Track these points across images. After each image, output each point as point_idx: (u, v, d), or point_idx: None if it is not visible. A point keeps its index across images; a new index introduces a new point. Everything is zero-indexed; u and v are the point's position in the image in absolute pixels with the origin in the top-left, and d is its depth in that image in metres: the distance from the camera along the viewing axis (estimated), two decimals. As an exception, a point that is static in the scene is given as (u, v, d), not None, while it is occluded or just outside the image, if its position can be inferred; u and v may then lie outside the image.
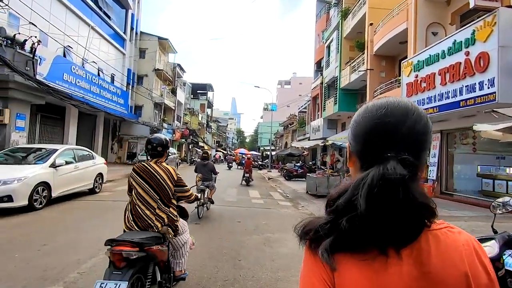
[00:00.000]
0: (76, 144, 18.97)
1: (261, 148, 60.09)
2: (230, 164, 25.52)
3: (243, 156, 31.41)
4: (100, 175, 8.86)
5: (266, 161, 34.76)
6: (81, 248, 3.90)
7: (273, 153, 34.91)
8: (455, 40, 8.53)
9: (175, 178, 2.64)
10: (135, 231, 2.40)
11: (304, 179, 17.36)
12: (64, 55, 15.75)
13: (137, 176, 2.57)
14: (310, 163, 26.21)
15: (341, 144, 11.50)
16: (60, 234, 4.54)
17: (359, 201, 0.56)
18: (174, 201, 2.64)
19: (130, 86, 24.51)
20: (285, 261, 3.88)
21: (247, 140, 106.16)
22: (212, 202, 6.16)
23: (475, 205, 9.01)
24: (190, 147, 36.56)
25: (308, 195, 10.97)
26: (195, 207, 5.92)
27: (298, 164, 20.00)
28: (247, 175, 13.62)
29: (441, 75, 9.03)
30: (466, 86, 8.08)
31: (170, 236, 2.49)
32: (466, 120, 9.45)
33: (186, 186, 2.78)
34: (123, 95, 22.46)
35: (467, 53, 8.07)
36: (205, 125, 48.01)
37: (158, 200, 2.49)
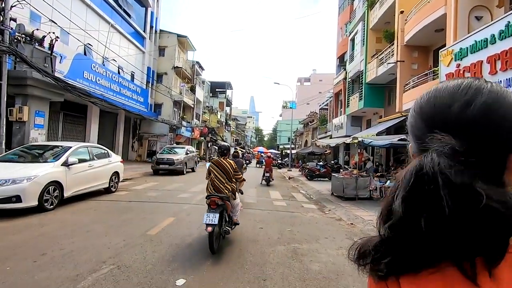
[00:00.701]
0: (98, 142, 19.15)
1: (280, 147, 59.23)
2: (247, 161, 24.32)
3: (262, 154, 30.73)
4: (116, 173, 8.54)
5: (285, 159, 33.95)
6: (84, 259, 3.41)
7: (293, 151, 34.01)
8: (509, 22, 7.40)
9: (234, 167, 4.56)
10: (215, 193, 4.22)
11: (326, 179, 16.47)
12: (85, 53, 15.79)
13: (214, 165, 4.54)
14: (332, 162, 25.14)
15: (370, 142, 10.56)
16: (65, 240, 4.11)
17: (396, 205, 0.46)
18: (233, 180, 4.56)
19: (150, 84, 24.53)
20: (319, 283, 3.19)
21: (266, 138, 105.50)
22: (241, 193, 6.17)
23: None
24: (209, 145, 36.43)
25: (333, 197, 10.15)
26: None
27: (321, 163, 19.07)
28: (267, 174, 12.97)
29: (490, 63, 7.91)
30: (523, 74, 6.96)
31: (232, 198, 4.48)
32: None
33: (239, 172, 4.78)
34: (143, 93, 22.48)
35: (525, 36, 6.95)
36: (224, 123, 47.84)
37: (226, 179, 4.42)
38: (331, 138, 24.00)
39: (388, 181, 10.06)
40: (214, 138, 39.10)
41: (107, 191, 8.19)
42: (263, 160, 17.40)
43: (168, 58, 25.70)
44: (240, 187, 6.44)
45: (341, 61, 25.56)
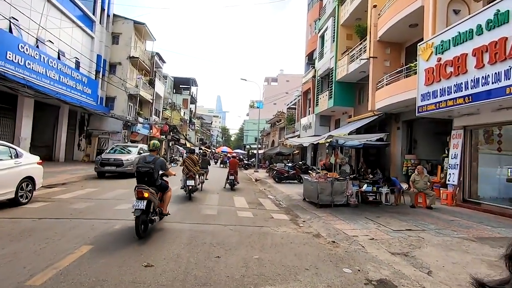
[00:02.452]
0: (32, 140, 16.18)
1: (247, 147, 57.96)
2: (216, 160, 21.20)
3: (226, 154, 29.08)
4: (30, 179, 6.45)
5: (252, 160, 32.68)
6: None
7: (260, 151, 32.84)
8: (498, 11, 6.72)
9: (196, 160, 9.76)
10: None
11: (295, 181, 15.41)
12: (10, 31, 12.96)
13: (188, 158, 9.56)
14: (300, 162, 24.35)
15: (344, 142, 9.56)
16: None
17: None
18: (197, 166, 9.51)
19: (101, 74, 21.69)
20: None
21: (232, 138, 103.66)
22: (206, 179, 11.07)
23: (510, 217, 7.27)
24: (171, 144, 33.88)
25: (306, 203, 8.96)
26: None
27: (289, 164, 18.01)
28: (232, 177, 11.45)
29: (476, 56, 7.22)
30: (516, 67, 6.27)
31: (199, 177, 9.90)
32: (502, 113, 7.71)
33: (198, 165, 9.85)
34: (91, 84, 19.67)
35: (518, 25, 6.27)
36: (187, 122, 45.28)
37: (193, 165, 9.26)
38: (299, 137, 23.18)
39: (365, 185, 9.12)
40: (177, 137, 36.60)
41: (14, 203, 6.09)
42: (227, 161, 15.79)
43: (123, 46, 23.01)
44: (206, 177, 11.72)
45: (310, 59, 24.91)
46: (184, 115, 42.81)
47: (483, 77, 7.04)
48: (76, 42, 18.59)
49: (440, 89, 8.36)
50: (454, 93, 7.88)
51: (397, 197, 9.05)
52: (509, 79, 6.40)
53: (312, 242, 5.00)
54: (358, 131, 14.37)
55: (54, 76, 15.60)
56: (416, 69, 10.26)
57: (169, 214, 5.64)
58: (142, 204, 4.58)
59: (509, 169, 8.70)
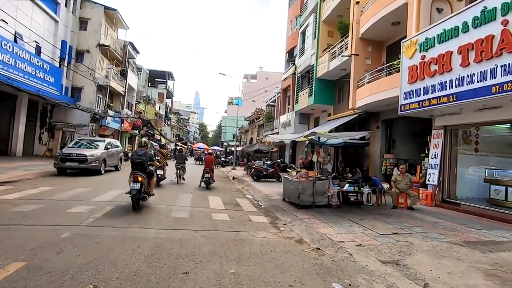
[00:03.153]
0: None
1: (225, 144, 57.07)
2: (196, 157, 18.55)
3: (203, 151, 28.19)
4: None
5: (230, 157, 31.95)
6: None
7: (238, 148, 32.20)
8: (485, 8, 6.55)
9: (165, 154, 11.86)
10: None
11: (274, 179, 14.96)
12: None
13: (158, 152, 11.17)
14: (278, 160, 24.01)
15: (326, 140, 9.17)
16: None
17: None
18: (166, 161, 11.25)
19: (66, 62, 19.94)
20: None
21: (210, 135, 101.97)
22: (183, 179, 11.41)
23: (492, 219, 7.22)
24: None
25: (286, 203, 8.48)
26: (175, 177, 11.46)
27: (268, 162, 17.53)
28: (207, 175, 10.73)
29: (462, 54, 7.04)
30: (502, 66, 6.11)
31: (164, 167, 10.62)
32: (484, 113, 7.64)
33: (168, 158, 12.57)
34: (54, 72, 17.98)
35: (505, 22, 6.11)
36: (163, 117, 43.54)
37: (163, 158, 10.90)
38: (278, 134, 22.81)
39: (347, 184, 8.79)
40: (151, 132, 34.98)
41: None
42: (203, 158, 14.97)
43: (92, 33, 21.32)
44: (183, 175, 12.11)
45: (291, 56, 24.57)
46: (159, 109, 41.09)
47: (468, 75, 6.88)
48: (37, 25, 16.85)
49: (424, 87, 8.18)
50: (438, 91, 7.70)
51: (379, 198, 8.82)
52: (495, 78, 6.25)
53: (295, 250, 4.48)
54: (337, 129, 14.16)
55: (8, 61, 13.95)
56: (398, 67, 10.09)
57: (154, 194, 7.20)
58: (137, 186, 6.25)
59: (487, 170, 8.75)
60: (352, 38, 13.23)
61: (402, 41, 9.33)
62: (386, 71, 10.88)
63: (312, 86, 17.73)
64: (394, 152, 13.18)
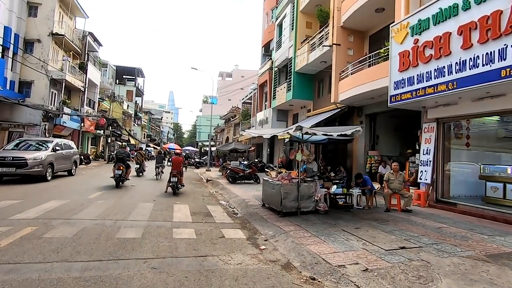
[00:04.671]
0: None
1: (200, 144, 55.06)
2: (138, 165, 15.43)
3: (174, 152, 26.35)
4: None
5: (204, 158, 30.29)
6: None
7: (213, 148, 30.61)
8: (490, -20, 5.73)
9: (143, 154, 16.14)
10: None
11: (252, 181, 13.70)
12: None
13: (138, 153, 15.91)
14: (256, 160, 22.81)
15: (310, 137, 8.03)
16: None
17: None
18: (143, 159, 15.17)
19: (11, 52, 17.35)
20: None
21: (185, 135, 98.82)
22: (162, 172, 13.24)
23: (495, 220, 6.46)
24: (110, 141, 29.70)
25: (266, 210, 7.26)
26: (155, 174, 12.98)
27: (245, 162, 16.23)
28: (174, 179, 9.22)
29: (463, 35, 6.19)
30: (514, 46, 5.28)
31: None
32: (485, 103, 6.86)
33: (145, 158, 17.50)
34: (-6, 63, 15.46)
35: (516, -4, 5.29)
36: (132, 116, 40.80)
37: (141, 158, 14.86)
38: (255, 129, 21.55)
39: (335, 186, 7.73)
40: (118, 133, 32.37)
41: None
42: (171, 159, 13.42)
43: (43, 20, 18.81)
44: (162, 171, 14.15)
45: (267, 50, 23.44)
46: (127, 108, 38.36)
47: (471, 59, 6.03)
48: (-30, 7, 14.31)
49: (418, 75, 7.30)
50: (435, 78, 6.84)
51: (369, 199, 7.84)
52: (504, 59, 5.42)
53: (282, 282, 3.24)
54: (318, 125, 13.16)
55: None
56: (385, 55, 9.24)
57: (129, 179, 11.04)
58: (120, 172, 9.96)
59: (482, 166, 8.07)
60: (333, 27, 12.29)
61: (391, 25, 8.43)
62: (373, 60, 10.00)
63: (290, 81, 16.70)
64: (377, 148, 12.45)
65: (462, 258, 4.01)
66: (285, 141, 14.02)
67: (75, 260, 3.51)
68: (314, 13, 14.97)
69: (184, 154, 23.52)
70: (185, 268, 3.48)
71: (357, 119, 12.62)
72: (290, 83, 16.60)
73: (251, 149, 22.44)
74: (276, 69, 19.55)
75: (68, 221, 5.18)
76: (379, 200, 8.26)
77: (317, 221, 6.02)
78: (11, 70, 17.56)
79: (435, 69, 6.84)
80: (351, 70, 11.08)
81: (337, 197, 7.53)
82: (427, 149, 8.39)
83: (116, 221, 5.45)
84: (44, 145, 11.18)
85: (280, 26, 19.18)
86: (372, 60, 10.13)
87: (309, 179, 7.11)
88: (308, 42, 14.84)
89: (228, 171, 13.77)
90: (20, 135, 18.15)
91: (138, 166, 14.68)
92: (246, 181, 13.55)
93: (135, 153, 17.48)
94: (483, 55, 5.80)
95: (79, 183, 10.77)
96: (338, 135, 6.99)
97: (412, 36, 7.55)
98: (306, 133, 7.03)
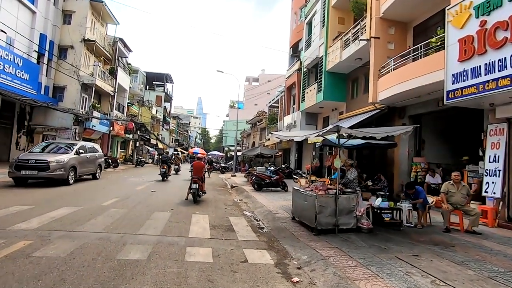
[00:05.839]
0: None
1: (226, 148, 54.98)
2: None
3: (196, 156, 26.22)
4: None
5: (230, 162, 29.73)
6: None
7: (239, 153, 29.98)
8: None
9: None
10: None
11: (279, 188, 12.67)
12: None
13: (162, 156, 19.84)
14: (283, 166, 21.73)
15: (346, 141, 6.89)
16: None
17: None
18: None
19: (46, 58, 17.97)
20: None
21: (212, 140, 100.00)
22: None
23: None
24: (138, 145, 30.17)
25: (297, 224, 6.23)
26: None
27: (272, 167, 15.24)
28: (195, 185, 8.47)
29: (555, 8, 4.80)
30: None
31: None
32: None
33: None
34: (29, 69, 15.97)
35: None
36: (161, 120, 41.54)
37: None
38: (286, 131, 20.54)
39: (379, 198, 6.50)
40: (146, 137, 32.91)
41: None
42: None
43: (76, 27, 19.40)
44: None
45: (295, 51, 22.43)
46: (156, 113, 39.09)
47: None
48: (8, 14, 14.90)
49: (486, 64, 5.92)
50: (511, 67, 5.45)
51: (422, 216, 6.51)
52: None
53: None
54: (352, 128, 11.89)
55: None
56: (438, 45, 7.88)
57: (171, 175, 16.14)
58: (164, 170, 14.26)
59: None
60: (371, 19, 11.04)
61: (447, 8, 7.10)
62: (421, 52, 8.64)
63: (320, 81, 15.55)
64: (423, 154, 10.90)
65: None
66: (316, 146, 12.83)
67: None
68: (348, 7, 13.77)
69: (207, 159, 23.36)
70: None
71: (398, 121, 11.17)
72: (321, 84, 15.45)
73: (277, 154, 21.41)
74: (305, 69, 18.49)
75: (69, 234, 4.54)
76: (433, 216, 6.89)
77: (362, 243, 4.88)
78: (46, 76, 18.16)
79: (512, 55, 5.45)
80: (393, 65, 9.75)
81: (382, 211, 6.30)
82: (495, 156, 6.88)
83: (123, 235, 4.72)
84: (69, 148, 11.03)
85: (309, 24, 18.16)
86: (420, 52, 8.76)
87: (348, 190, 5.96)
88: (341, 39, 13.65)
89: (254, 177, 12.87)
90: (53, 139, 18.69)
91: (176, 166, 19.26)
92: (272, 188, 12.55)
93: (173, 157, 21.34)
94: None
95: (99, 187, 10.43)
96: (386, 136, 5.81)
97: (477, 17, 6.20)
98: (342, 136, 5.94)
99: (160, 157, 19.33)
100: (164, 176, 14.33)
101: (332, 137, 8.09)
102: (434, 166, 10.34)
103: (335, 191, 5.68)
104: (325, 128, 6.40)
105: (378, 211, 6.33)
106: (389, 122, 11.57)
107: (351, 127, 11.69)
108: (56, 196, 7.84)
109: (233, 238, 5.15)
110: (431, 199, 6.91)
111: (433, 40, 8.13)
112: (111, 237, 4.55)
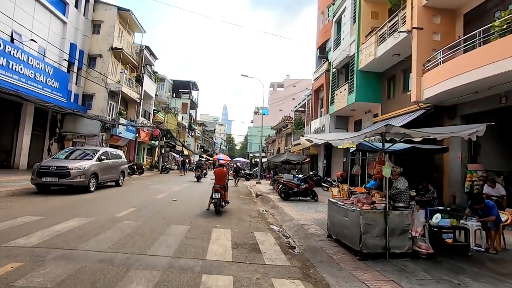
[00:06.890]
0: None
1: (251, 155, 54.37)
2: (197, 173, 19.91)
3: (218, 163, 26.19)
4: None
5: (255, 169, 28.94)
6: None
7: (264, 160, 29.12)
8: None
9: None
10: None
11: (309, 198, 11.59)
12: None
13: (197, 162, 23.64)
14: (311, 173, 20.51)
15: (392, 145, 5.79)
16: None
17: None
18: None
19: (75, 67, 18.43)
20: None
21: (237, 147, 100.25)
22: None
23: None
24: (164, 151, 30.35)
25: (334, 244, 5.21)
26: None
27: (300, 175, 14.17)
28: (217, 195, 7.72)
29: None
30: None
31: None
32: None
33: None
34: (59, 77, 16.37)
35: None
36: (186, 127, 41.90)
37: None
38: (319, 134, 19.43)
39: (438, 215, 5.29)
40: (172, 144, 33.13)
41: None
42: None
43: (104, 36, 19.83)
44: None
45: (322, 52, 21.32)
46: (182, 120, 39.46)
47: None
48: (41, 25, 15.39)
49: None
50: None
51: (495, 238, 5.19)
52: None
53: None
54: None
55: (1, 62, 12.29)
56: (503, 29, 6.56)
57: (204, 176, 21.08)
58: (198, 174, 19.06)
59: None
60: (412, 8, 9.82)
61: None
62: (480, 39, 7.32)
63: (352, 81, 14.35)
64: (480, 161, 9.35)
65: None
66: (350, 151, 11.64)
67: None
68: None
69: (234, 167, 23.25)
70: None
71: (448, 122, 9.74)
72: (352, 84, 14.24)
73: (305, 160, 20.26)
74: (334, 70, 17.36)
75: (69, 254, 3.90)
76: (506, 237, 5.54)
77: (425, 275, 3.77)
78: (76, 84, 18.61)
79: None
80: (442, 57, 8.45)
81: (442, 232, 5.10)
82: None
83: (130, 256, 4.00)
84: (93, 154, 10.81)
85: (338, 22, 17.07)
86: (478, 40, 7.43)
87: (401, 204, 4.85)
88: (375, 34, 12.45)
89: (281, 185, 11.91)
90: (82, 145, 19.05)
91: (205, 171, 22.55)
92: (301, 197, 11.51)
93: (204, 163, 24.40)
94: None
95: (119, 195, 10.03)
96: (450, 137, 4.66)
97: None
98: (383, 143, 4.86)
99: (196, 163, 22.99)
100: (198, 178, 18.74)
101: (373, 139, 6.95)
102: (494, 174, 8.79)
103: (383, 205, 4.61)
104: (369, 127, 5.37)
105: (437, 230, 5.13)
106: (436, 123, 10.12)
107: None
108: (71, 205, 7.42)
109: (259, 262, 4.25)
110: (504, 216, 5.55)
111: (496, 23, 6.81)
112: (115, 259, 3.84)
